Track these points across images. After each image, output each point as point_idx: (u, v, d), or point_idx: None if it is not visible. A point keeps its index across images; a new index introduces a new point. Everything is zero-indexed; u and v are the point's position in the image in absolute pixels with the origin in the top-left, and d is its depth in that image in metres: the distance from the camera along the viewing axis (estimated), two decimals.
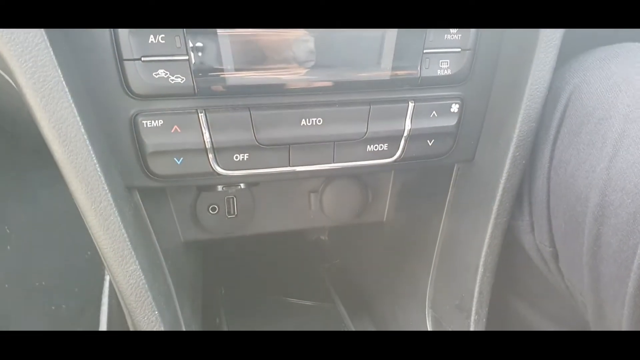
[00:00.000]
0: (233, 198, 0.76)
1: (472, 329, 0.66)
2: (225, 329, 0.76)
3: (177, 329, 0.61)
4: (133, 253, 0.52)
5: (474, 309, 0.66)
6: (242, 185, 0.73)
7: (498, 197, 0.62)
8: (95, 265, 1.04)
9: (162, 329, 0.55)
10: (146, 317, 0.54)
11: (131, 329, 0.60)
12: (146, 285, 0.53)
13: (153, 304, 0.54)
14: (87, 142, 0.47)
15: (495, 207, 0.62)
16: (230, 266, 1.00)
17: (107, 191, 0.49)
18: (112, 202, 0.49)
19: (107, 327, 0.98)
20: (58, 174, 0.48)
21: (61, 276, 1.03)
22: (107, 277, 1.02)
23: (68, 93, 0.45)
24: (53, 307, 1.01)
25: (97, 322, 0.99)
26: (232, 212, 0.77)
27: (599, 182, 0.52)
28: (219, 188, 0.73)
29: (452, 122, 0.60)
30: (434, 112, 0.58)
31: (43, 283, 1.01)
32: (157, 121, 0.51)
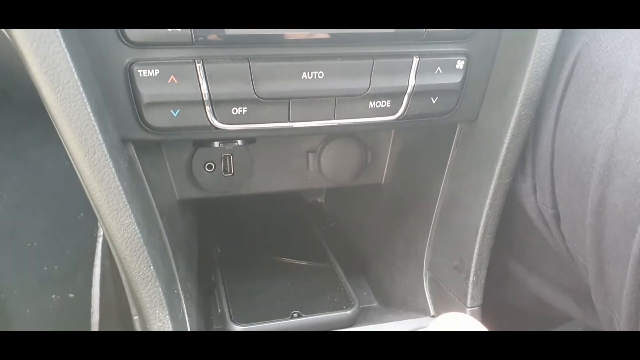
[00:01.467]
0: (230, 156, 0.75)
1: (470, 290, 0.66)
2: (221, 287, 0.76)
3: (172, 286, 0.60)
4: (128, 206, 0.51)
5: (472, 270, 0.65)
6: (239, 143, 0.72)
7: (501, 158, 0.60)
8: (87, 227, 1.03)
9: (157, 284, 0.55)
10: (141, 272, 0.54)
11: (125, 287, 0.60)
12: (141, 240, 0.52)
13: (148, 258, 0.53)
14: (81, 89, 0.45)
15: (498, 168, 0.61)
16: (227, 226, 1.00)
17: (102, 141, 0.47)
18: (106, 152, 0.48)
19: (100, 288, 0.98)
20: (50, 134, 0.47)
21: (53, 237, 1.03)
22: (100, 239, 1.02)
23: (60, 37, 0.43)
24: (45, 268, 1.01)
25: (90, 284, 0.99)
26: (228, 171, 0.75)
27: (606, 142, 0.51)
28: (216, 145, 0.72)
29: (457, 79, 0.58)
30: (438, 68, 0.57)
31: (35, 244, 1.00)
32: (153, 71, 0.49)
